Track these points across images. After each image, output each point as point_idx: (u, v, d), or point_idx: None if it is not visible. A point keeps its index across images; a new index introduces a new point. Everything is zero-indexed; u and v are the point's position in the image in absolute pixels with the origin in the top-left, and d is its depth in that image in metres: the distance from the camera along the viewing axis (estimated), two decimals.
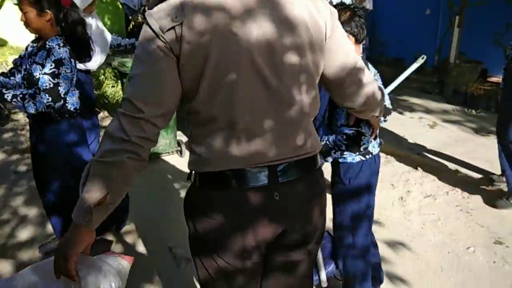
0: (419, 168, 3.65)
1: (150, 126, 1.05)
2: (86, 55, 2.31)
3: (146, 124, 1.04)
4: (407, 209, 3.07)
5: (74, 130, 2.29)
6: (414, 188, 3.35)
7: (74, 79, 2.22)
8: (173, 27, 1.00)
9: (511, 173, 2.98)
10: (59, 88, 2.06)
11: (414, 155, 3.81)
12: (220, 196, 1.13)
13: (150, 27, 1.02)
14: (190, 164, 1.18)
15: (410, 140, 4.18)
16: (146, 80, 1.04)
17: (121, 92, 5.23)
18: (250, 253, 1.19)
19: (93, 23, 3.35)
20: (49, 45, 2.09)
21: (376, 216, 2.94)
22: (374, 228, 2.79)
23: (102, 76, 5.60)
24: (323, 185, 1.26)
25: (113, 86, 5.48)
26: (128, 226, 2.83)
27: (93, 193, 1.02)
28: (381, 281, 2.18)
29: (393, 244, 2.64)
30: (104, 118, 4.89)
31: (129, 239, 2.71)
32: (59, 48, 2.09)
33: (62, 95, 2.09)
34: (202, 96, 1.06)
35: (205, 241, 1.18)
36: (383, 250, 2.58)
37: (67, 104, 2.19)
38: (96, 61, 3.43)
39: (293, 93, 1.12)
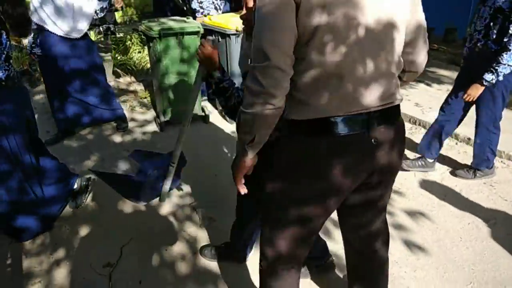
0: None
1: (279, 73, 1.14)
2: (23, 33, 2.19)
3: (275, 71, 1.13)
4: (429, 180, 3.07)
5: (3, 102, 2.15)
6: (438, 160, 3.32)
7: (5, 53, 2.08)
8: None
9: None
10: None
11: None
12: (320, 142, 1.24)
13: None
14: (290, 112, 1.26)
15: (436, 112, 4.09)
16: (270, 28, 1.13)
17: (147, 58, 5.28)
18: (338, 194, 1.33)
19: None
20: None
21: (397, 186, 2.98)
22: (394, 197, 2.84)
23: (129, 42, 5.65)
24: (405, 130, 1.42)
25: (139, 52, 5.53)
26: None
27: (244, 135, 1.28)
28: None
29: (413, 214, 2.67)
30: (131, 83, 4.97)
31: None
32: None
33: None
34: (315, 44, 1.14)
35: (297, 183, 1.31)
36: (403, 219, 2.62)
37: None
38: (77, 27, 3.28)
39: (393, 47, 1.23)
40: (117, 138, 3.76)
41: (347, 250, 1.74)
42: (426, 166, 3.13)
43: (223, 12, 4.42)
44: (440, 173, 3.15)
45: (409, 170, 3.12)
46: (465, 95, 2.68)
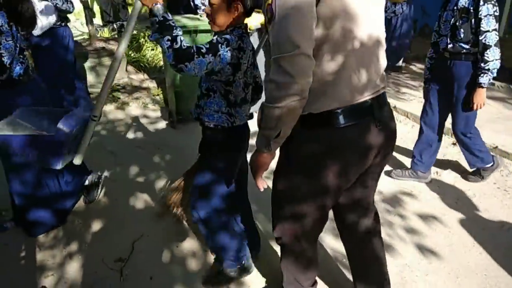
0: (457, 144, 3.57)
1: (307, 61, 1.17)
2: (30, 29, 2.12)
3: (304, 59, 1.16)
4: (442, 184, 3.04)
5: (20, 96, 2.13)
6: (451, 163, 3.30)
7: (18, 46, 2.03)
8: None
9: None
10: (2, 59, 1.90)
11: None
12: (339, 132, 1.31)
13: None
14: (310, 105, 1.29)
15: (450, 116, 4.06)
16: (295, 15, 1.15)
17: (160, 55, 5.32)
18: (349, 182, 1.44)
19: None
20: None
21: (409, 188, 2.96)
22: (406, 200, 2.82)
23: (142, 39, 5.68)
24: None
25: (152, 49, 5.56)
26: (164, 183, 2.96)
27: (269, 131, 1.27)
28: None
29: (425, 217, 2.64)
30: (144, 80, 5.00)
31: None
32: None
33: (8, 65, 1.95)
34: (333, 38, 1.22)
35: (317, 175, 1.38)
36: (414, 222, 2.59)
37: (11, 73, 2.04)
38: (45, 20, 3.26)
39: (383, 41, 1.37)
40: (130, 135, 3.79)
41: (347, 247, 1.82)
42: (418, 176, 3.06)
43: None
44: (453, 177, 3.12)
45: (398, 179, 3.08)
46: (474, 105, 2.64)
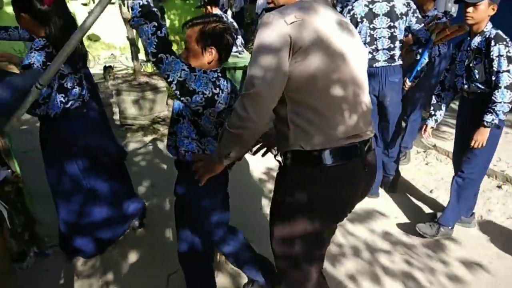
0: (503, 187, 3.41)
1: (264, 103, 1.29)
2: (79, 63, 2.15)
3: (260, 101, 1.27)
4: (487, 229, 2.88)
5: (57, 133, 2.21)
6: (496, 207, 3.14)
7: (56, 85, 2.07)
8: (294, 22, 1.26)
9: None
10: None
11: (498, 172, 3.55)
12: (332, 170, 1.38)
13: (275, 17, 1.26)
14: (301, 141, 1.37)
15: (495, 156, 3.89)
16: (260, 61, 1.26)
17: None
18: (339, 220, 1.53)
19: None
20: (31, 47, 1.97)
21: (453, 233, 2.81)
22: (449, 245, 2.69)
23: None
24: None
25: None
26: None
27: (223, 149, 1.45)
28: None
29: (469, 264, 2.51)
30: None
31: None
32: (31, 52, 1.93)
33: (40, 101, 1.97)
34: (311, 87, 1.31)
35: (312, 208, 1.43)
36: (458, 269, 2.46)
37: (48, 109, 2.08)
38: None
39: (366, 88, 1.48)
40: (167, 165, 3.88)
41: None
42: (461, 221, 2.88)
43: (238, 8, 4.42)
44: (499, 222, 2.96)
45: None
46: (473, 142, 2.53)
